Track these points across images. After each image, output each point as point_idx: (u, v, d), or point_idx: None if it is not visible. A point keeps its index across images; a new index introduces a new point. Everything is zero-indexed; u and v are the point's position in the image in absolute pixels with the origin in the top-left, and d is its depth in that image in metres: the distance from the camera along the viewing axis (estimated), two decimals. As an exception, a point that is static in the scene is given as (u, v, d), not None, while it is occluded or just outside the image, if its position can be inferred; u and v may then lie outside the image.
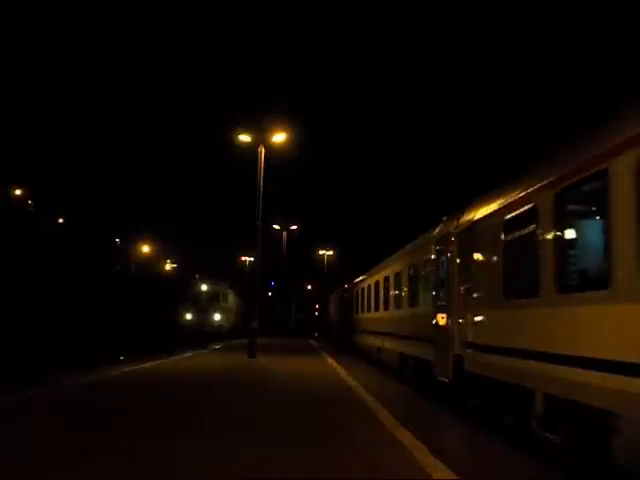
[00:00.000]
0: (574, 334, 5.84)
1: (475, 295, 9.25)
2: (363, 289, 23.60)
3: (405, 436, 7.45)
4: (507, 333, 7.82)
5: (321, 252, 61.73)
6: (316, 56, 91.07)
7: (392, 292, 17.03)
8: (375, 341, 19.74)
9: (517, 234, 7.64)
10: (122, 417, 8.55)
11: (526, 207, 7.16)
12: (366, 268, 24.70)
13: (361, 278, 25.20)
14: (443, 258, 11.34)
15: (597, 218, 6.00)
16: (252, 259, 36.13)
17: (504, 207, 7.98)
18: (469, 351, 9.29)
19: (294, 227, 49.93)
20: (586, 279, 6.03)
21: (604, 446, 5.28)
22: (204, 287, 42.00)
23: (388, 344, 17.19)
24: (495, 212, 8.37)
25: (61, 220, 49.34)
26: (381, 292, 18.94)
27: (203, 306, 40.29)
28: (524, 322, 7.17)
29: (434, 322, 11.40)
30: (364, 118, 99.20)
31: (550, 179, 6.53)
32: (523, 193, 7.30)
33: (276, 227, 48.66)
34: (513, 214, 7.62)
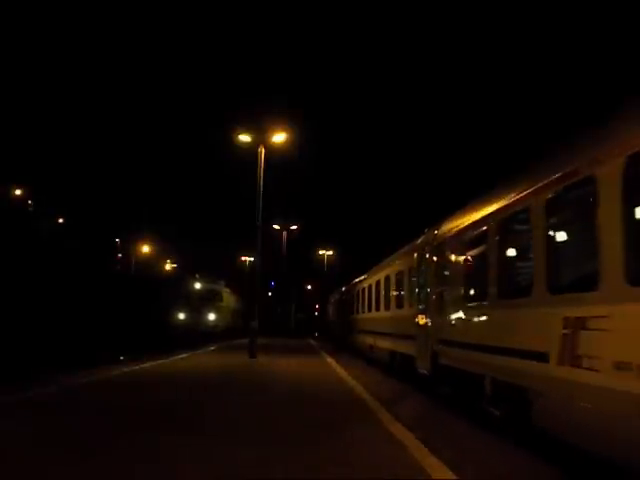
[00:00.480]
0: (507, 330, 7.69)
1: (446, 299, 10.77)
2: (358, 291, 24.85)
3: (405, 436, 7.45)
4: (466, 331, 9.50)
5: (321, 252, 61.75)
6: (316, 56, 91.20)
7: (383, 295, 18.45)
8: (369, 339, 20.93)
9: (475, 250, 9.38)
10: (122, 417, 8.55)
11: (481, 229, 8.93)
12: (366, 268, 24.84)
13: (357, 280, 26.26)
14: (423, 266, 12.88)
15: (525, 243, 7.69)
16: (252, 259, 36.10)
17: (467, 227, 9.71)
18: (441, 347, 10.88)
19: (294, 227, 49.96)
20: (517, 288, 7.76)
21: (527, 416, 6.87)
22: (197, 285, 39.60)
23: (380, 342, 18.47)
24: (462, 230, 10.03)
25: (61, 220, 49.33)
26: (374, 294, 20.30)
27: (196, 305, 37.89)
28: (477, 321, 9.06)
29: (416, 322, 12.94)
30: (364, 118, 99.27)
31: (496, 208, 8.33)
32: (479, 217, 9.10)
33: (276, 227, 48.68)
34: (474, 233, 9.32)
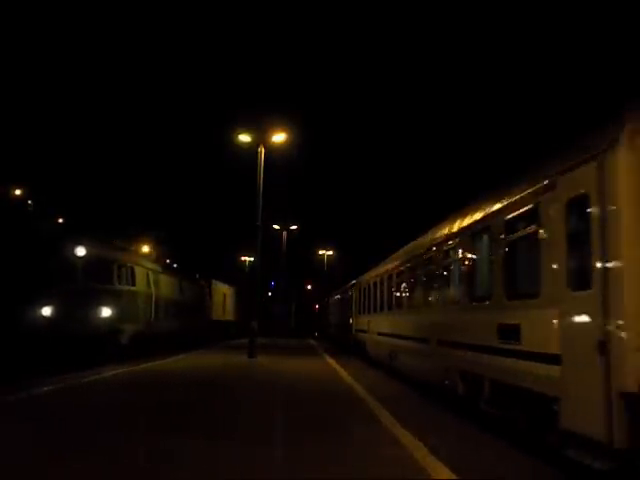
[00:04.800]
0: (368, 323, 21.44)
1: (357, 311, 24.89)
2: (346, 298, 32.18)
3: (405, 436, 7.46)
4: (359, 325, 23.88)
5: (321, 252, 61.73)
6: (316, 56, 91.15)
7: (346, 306, 30.85)
8: (347, 334, 30.57)
9: (370, 290, 20.80)
10: (133, 416, 8.55)
11: (378, 279, 19.13)
12: (365, 269, 25.07)
13: (347, 286, 32.82)
14: (354, 295, 26.35)
15: (400, 283, 15.78)
16: (252, 259, 35.91)
17: (368, 278, 21.88)
18: (356, 332, 24.93)
19: (294, 227, 49.94)
20: (373, 307, 20.46)
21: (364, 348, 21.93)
22: (81, 252, 20.00)
23: (348, 335, 29.22)
24: (365, 280, 22.70)
25: (61, 220, 49.30)
26: (347, 305, 30.71)
27: (79, 291, 19.28)
28: (363, 321, 22.42)
29: (350, 322, 27.48)
30: (364, 118, 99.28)
31: (393, 265, 16.86)
32: (376, 273, 20.11)
33: (276, 227, 48.67)
34: (372, 281, 20.44)
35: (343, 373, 16.34)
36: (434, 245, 11.69)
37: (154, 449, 6.53)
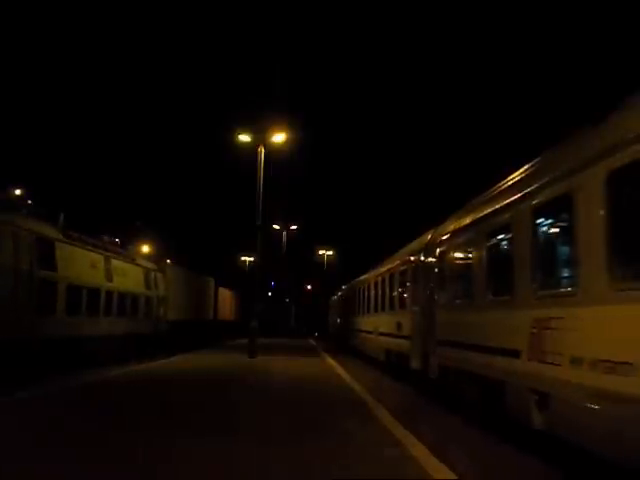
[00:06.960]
0: (349, 323, 30.94)
1: (344, 313, 34.73)
2: (343, 299, 38.67)
3: (405, 436, 7.46)
4: (346, 323, 32.30)
5: (321, 252, 61.73)
6: (316, 56, 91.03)
7: (338, 308, 39.27)
8: (340, 332, 38.63)
9: (350, 298, 30.29)
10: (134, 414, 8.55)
11: (354, 291, 28.49)
12: (366, 268, 25.22)
13: (344, 288, 39.32)
14: (342, 300, 36.12)
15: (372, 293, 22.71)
16: (252, 259, 35.92)
17: (347, 289, 34.12)
18: (344, 329, 33.87)
19: (294, 227, 49.94)
20: (356, 310, 27.93)
21: (349, 341, 30.08)
22: None
23: (340, 332, 37.16)
24: (345, 290, 35.53)
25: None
26: (337, 307, 40.12)
27: None
28: (348, 320, 30.74)
29: (337, 321, 39.77)
30: (364, 118, 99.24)
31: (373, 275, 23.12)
32: (351, 286, 31.37)
33: (276, 227, 48.67)
34: (353, 290, 29.39)
35: (341, 371, 16.37)
36: (372, 278, 21.54)
37: (157, 446, 6.55)
